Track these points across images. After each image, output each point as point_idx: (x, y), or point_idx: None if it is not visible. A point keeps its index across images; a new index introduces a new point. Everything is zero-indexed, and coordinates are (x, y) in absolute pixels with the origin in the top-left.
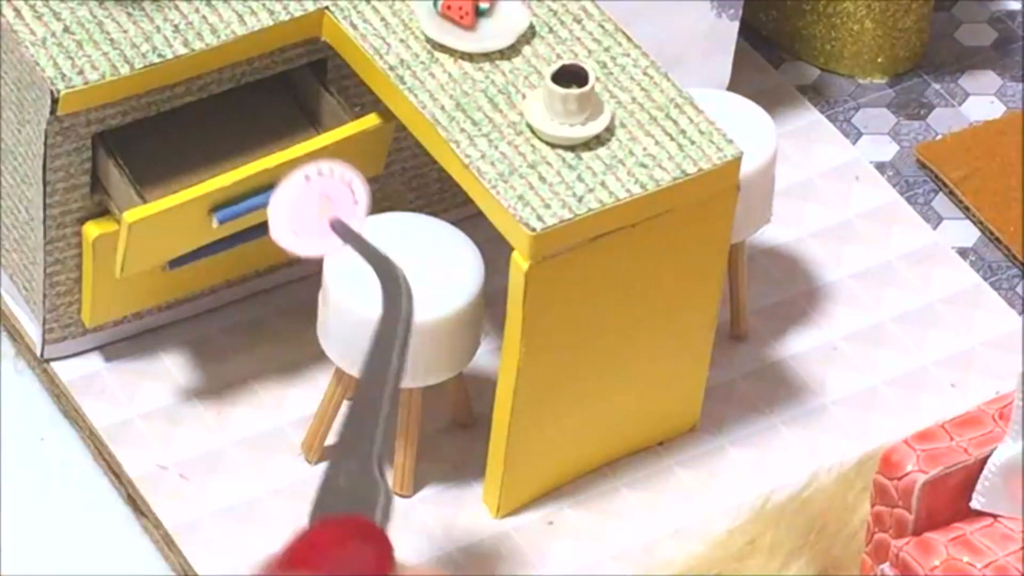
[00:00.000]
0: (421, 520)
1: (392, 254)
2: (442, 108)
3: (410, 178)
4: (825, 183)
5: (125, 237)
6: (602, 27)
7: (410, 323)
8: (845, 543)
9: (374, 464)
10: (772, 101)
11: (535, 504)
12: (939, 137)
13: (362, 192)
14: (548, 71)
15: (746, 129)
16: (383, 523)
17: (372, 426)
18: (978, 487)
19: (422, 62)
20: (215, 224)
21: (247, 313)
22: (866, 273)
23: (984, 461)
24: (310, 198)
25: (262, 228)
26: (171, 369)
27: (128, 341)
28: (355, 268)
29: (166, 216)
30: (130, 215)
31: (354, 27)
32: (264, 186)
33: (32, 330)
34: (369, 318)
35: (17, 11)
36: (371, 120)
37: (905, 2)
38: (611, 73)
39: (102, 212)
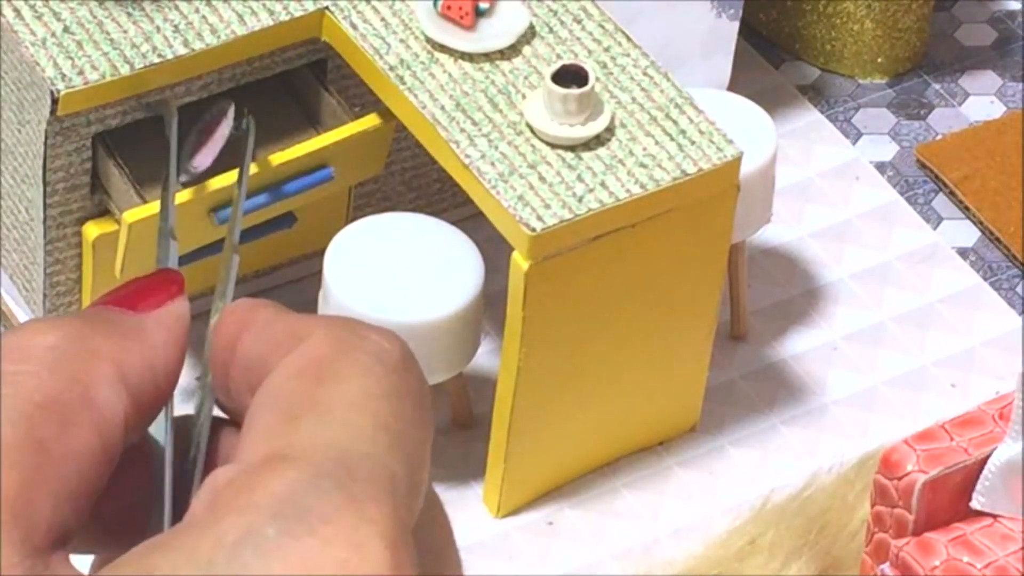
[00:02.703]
0: None
1: (392, 255)
2: (442, 108)
3: (410, 178)
4: (825, 183)
5: (125, 237)
6: (602, 27)
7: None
8: (845, 543)
9: (166, 230)
10: (772, 101)
11: (535, 504)
12: (939, 137)
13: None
14: (548, 71)
15: (746, 129)
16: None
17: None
18: (978, 487)
19: (422, 62)
20: (215, 224)
21: None
22: (866, 273)
23: (984, 461)
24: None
25: (262, 228)
26: None
27: None
28: (355, 268)
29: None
30: (130, 215)
31: (354, 27)
32: (264, 186)
33: None
34: (369, 318)
35: (17, 11)
36: (371, 120)
37: (905, 2)
38: (611, 73)
39: (102, 212)
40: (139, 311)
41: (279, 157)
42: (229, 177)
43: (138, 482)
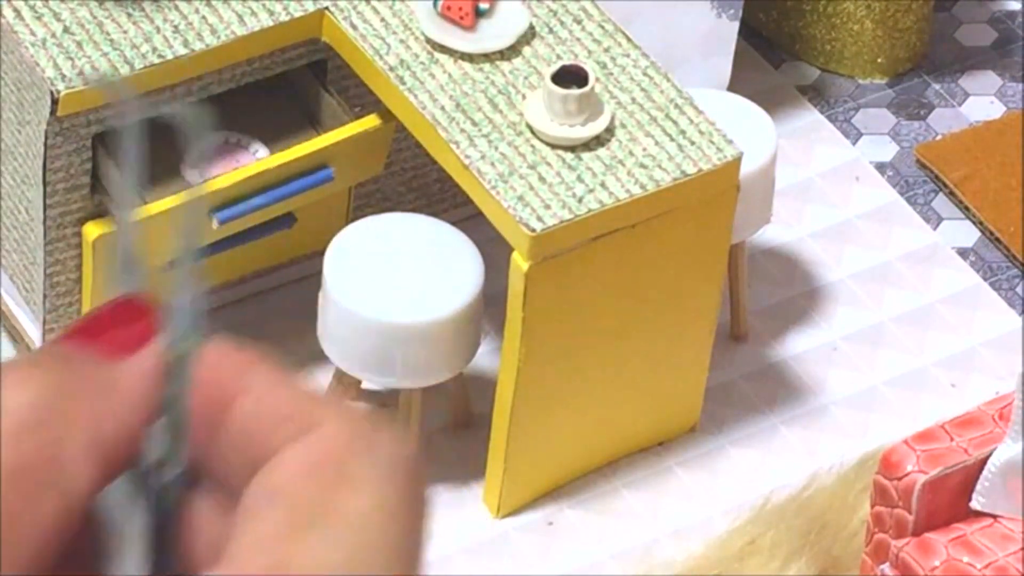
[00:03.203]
0: None
1: (392, 255)
2: (442, 109)
3: (410, 178)
4: (825, 183)
5: None
6: (602, 27)
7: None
8: (845, 543)
9: (128, 257)
10: (772, 101)
11: (535, 504)
12: (939, 137)
13: None
14: (548, 72)
15: (746, 129)
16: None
17: (128, 223)
18: (978, 487)
19: (422, 63)
20: (216, 225)
21: (247, 313)
22: (866, 273)
23: (984, 461)
24: None
25: (262, 229)
26: None
27: None
28: (355, 268)
29: (166, 217)
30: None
31: (354, 27)
32: (264, 186)
33: (32, 330)
34: (369, 318)
35: (17, 12)
36: (371, 121)
37: (905, 2)
38: (611, 74)
39: (102, 213)
40: (110, 352)
41: (279, 157)
42: (229, 178)
43: (84, 542)
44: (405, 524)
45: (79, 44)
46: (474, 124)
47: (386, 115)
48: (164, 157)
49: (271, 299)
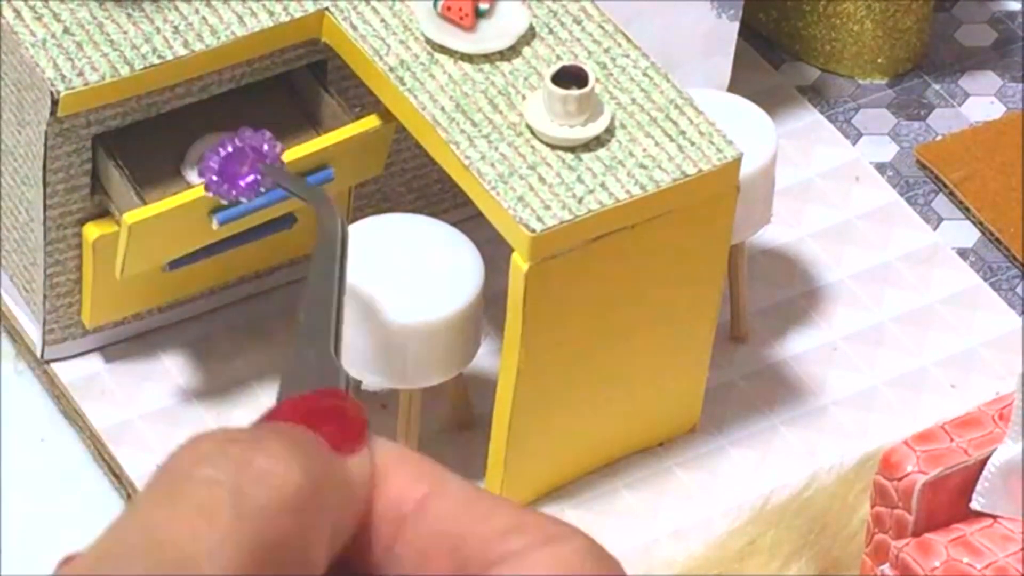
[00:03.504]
0: None
1: (392, 255)
2: (442, 109)
3: (410, 179)
4: (825, 184)
5: (125, 239)
6: (602, 28)
7: (345, 243)
8: (845, 544)
9: (331, 350)
10: (772, 102)
11: (535, 504)
12: (939, 138)
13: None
14: (548, 72)
15: (746, 130)
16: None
17: (326, 321)
18: (978, 488)
19: (422, 63)
20: (215, 226)
21: (247, 314)
22: (866, 273)
23: (984, 462)
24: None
25: (262, 229)
26: (171, 370)
27: (128, 342)
28: (355, 268)
29: (166, 217)
30: (130, 216)
31: (354, 28)
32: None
33: (32, 331)
34: (369, 318)
35: (17, 12)
36: (371, 121)
37: (905, 2)
38: (611, 74)
39: (102, 213)
40: (338, 449)
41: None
42: None
43: None
44: None
45: (79, 45)
46: (474, 125)
47: (386, 115)
48: (164, 157)
49: (271, 299)
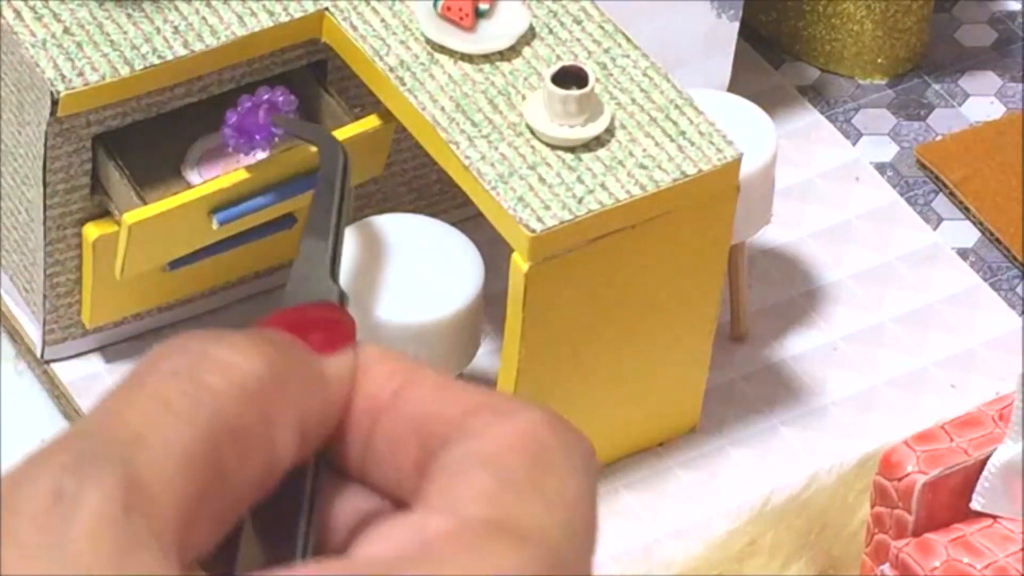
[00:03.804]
0: None
1: (392, 255)
2: (442, 109)
3: (410, 179)
4: (825, 184)
5: (125, 239)
6: (602, 28)
7: (347, 173)
8: (845, 544)
9: (328, 272)
10: (772, 102)
11: None
12: (939, 138)
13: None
14: (548, 72)
15: (746, 130)
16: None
17: (324, 245)
18: (978, 488)
19: (422, 63)
20: (215, 226)
21: (248, 314)
22: (866, 273)
23: (984, 462)
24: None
25: (262, 229)
26: None
27: (129, 342)
28: (355, 268)
29: (166, 217)
30: (130, 216)
31: (354, 28)
32: (264, 187)
33: (32, 331)
34: (369, 318)
35: (17, 12)
36: (371, 121)
37: (905, 2)
38: (611, 74)
39: (102, 213)
40: (314, 347)
41: (279, 158)
42: (229, 179)
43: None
44: (595, 519)
45: (79, 45)
46: (474, 125)
47: (386, 115)
48: (164, 157)
49: (271, 299)
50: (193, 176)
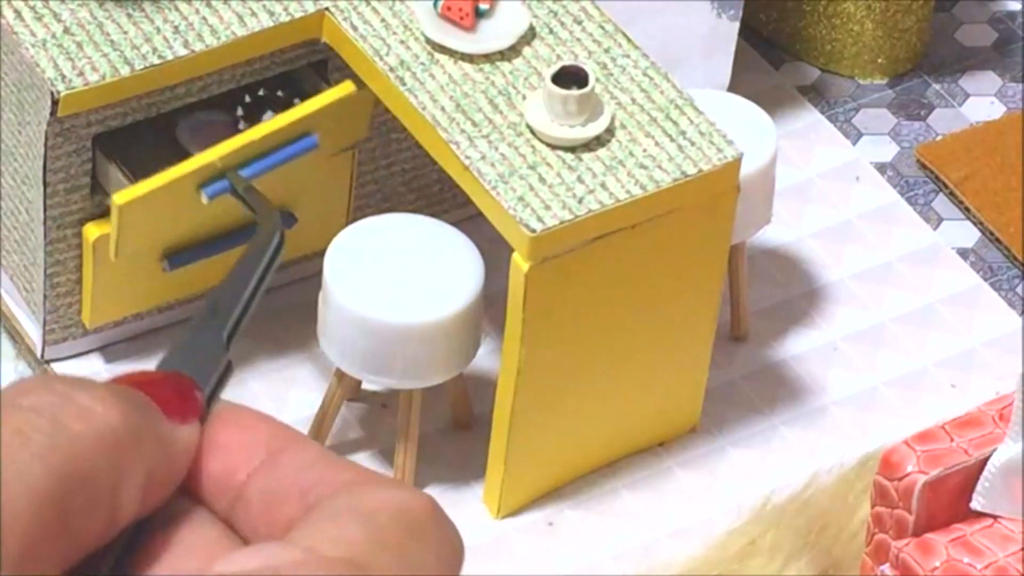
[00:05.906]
0: None
1: (392, 255)
2: (442, 109)
3: (410, 178)
4: (825, 184)
5: (117, 219)
6: (602, 28)
7: (278, 253)
8: (845, 544)
9: (224, 338)
10: (772, 102)
11: (535, 504)
12: (939, 137)
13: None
14: (548, 72)
15: (746, 130)
16: (216, 387)
17: (231, 310)
18: (978, 488)
19: (422, 63)
20: (205, 200)
21: None
22: (866, 273)
23: (984, 462)
24: None
25: None
26: None
27: (129, 342)
28: (355, 268)
29: (156, 195)
30: (119, 196)
31: (354, 28)
32: (250, 159)
33: (33, 331)
34: (369, 318)
35: (17, 12)
36: (347, 87)
37: (905, 2)
38: (611, 74)
39: (102, 213)
40: (169, 415)
41: (261, 129)
42: (216, 152)
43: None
44: None
45: (79, 45)
46: (474, 125)
47: (359, 83)
48: (164, 157)
49: (271, 299)
50: (191, 146)
